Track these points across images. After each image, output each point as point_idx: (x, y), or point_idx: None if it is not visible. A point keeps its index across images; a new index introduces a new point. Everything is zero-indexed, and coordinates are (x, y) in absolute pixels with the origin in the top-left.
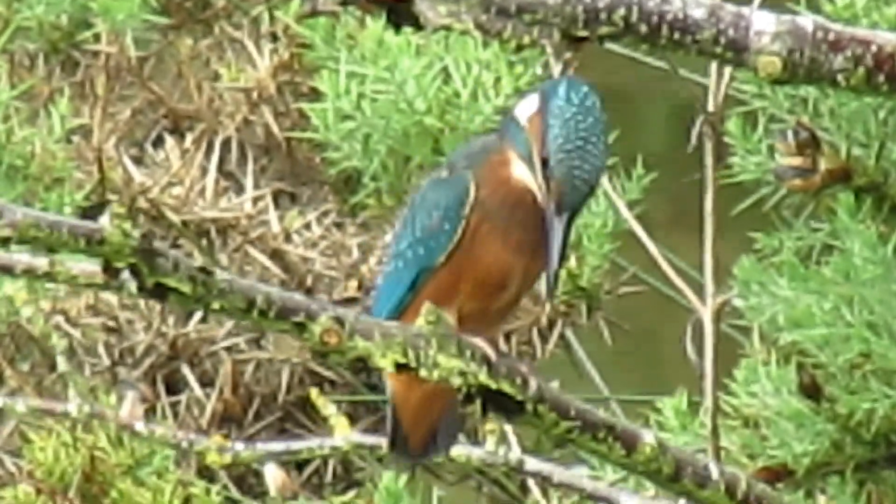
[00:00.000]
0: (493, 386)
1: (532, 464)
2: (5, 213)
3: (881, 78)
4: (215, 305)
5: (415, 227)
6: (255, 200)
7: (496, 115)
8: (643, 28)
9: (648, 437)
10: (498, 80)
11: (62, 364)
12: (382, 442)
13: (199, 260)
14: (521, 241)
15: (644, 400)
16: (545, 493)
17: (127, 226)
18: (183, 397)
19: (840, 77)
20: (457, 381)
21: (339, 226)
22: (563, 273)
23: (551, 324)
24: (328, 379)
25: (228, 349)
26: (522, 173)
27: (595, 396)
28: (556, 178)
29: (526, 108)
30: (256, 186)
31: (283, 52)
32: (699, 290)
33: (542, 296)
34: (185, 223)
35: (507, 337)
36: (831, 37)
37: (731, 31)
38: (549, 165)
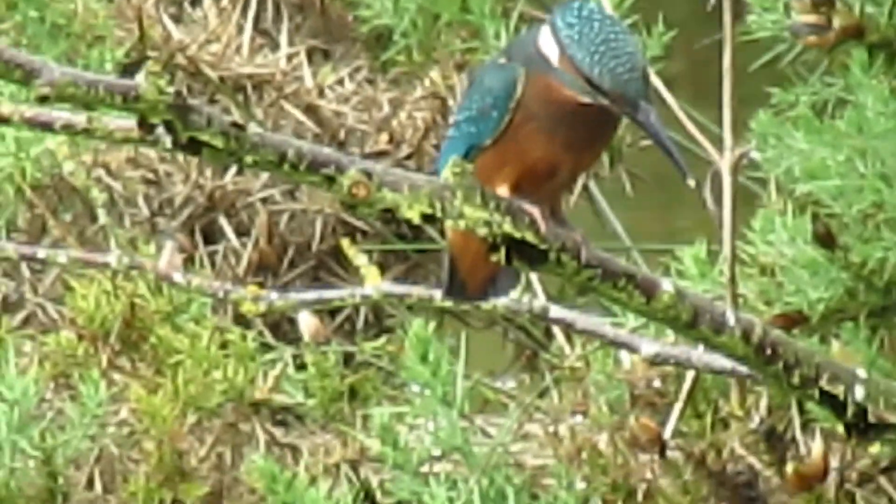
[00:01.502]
0: (517, 235)
1: (556, 311)
2: (44, 72)
3: None
4: (248, 159)
5: (471, 105)
6: (290, 57)
7: None
8: None
9: (667, 286)
10: None
11: (103, 216)
12: (415, 290)
13: (235, 115)
14: (568, 139)
15: (664, 249)
16: (569, 339)
17: (161, 82)
18: (220, 247)
19: None
20: (482, 230)
21: (370, 82)
22: None
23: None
24: (360, 229)
25: (264, 200)
26: (569, 91)
27: (616, 246)
28: (609, 89)
29: (549, 47)
30: (291, 44)
31: None
32: (718, 144)
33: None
34: (222, 79)
35: None
36: None
37: None
38: (597, 85)
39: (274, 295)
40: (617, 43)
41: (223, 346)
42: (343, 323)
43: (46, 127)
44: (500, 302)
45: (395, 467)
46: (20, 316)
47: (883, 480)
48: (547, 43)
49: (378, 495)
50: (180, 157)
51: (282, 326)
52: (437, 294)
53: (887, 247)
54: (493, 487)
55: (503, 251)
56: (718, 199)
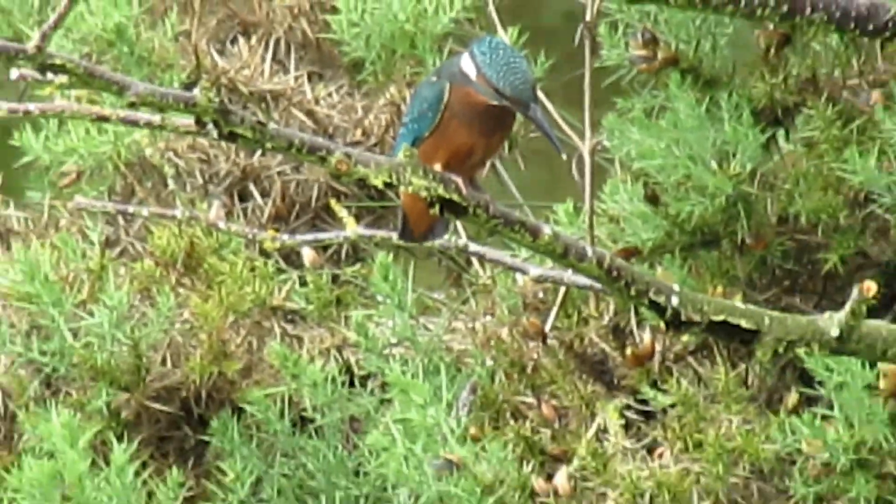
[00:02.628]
0: (447, 196)
1: (473, 247)
2: (132, 87)
3: (697, 0)
4: (268, 145)
5: (414, 109)
6: (296, 78)
7: (450, 23)
8: None
9: (547, 230)
10: (451, 1)
11: (171, 183)
12: (379, 233)
13: (260, 116)
14: (482, 129)
15: (545, 206)
16: (482, 265)
17: (210, 94)
18: (249, 204)
19: (671, 0)
20: (423, 193)
21: (350, 94)
22: None
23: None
24: (343, 192)
25: (279, 173)
26: (482, 97)
27: (513, 203)
28: (510, 95)
29: (469, 68)
30: (297, 69)
31: None
32: (581, 136)
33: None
34: (251, 93)
35: None
36: None
37: None
38: (501, 92)
39: (285, 236)
40: (515, 64)
41: (252, 269)
42: (332, 254)
43: (133, 123)
44: (437, 241)
45: (367, 350)
46: (117, 250)
47: (690, 359)
48: (467, 64)
49: (355, 370)
50: (223, 144)
51: (291, 256)
52: (394, 236)
53: (693, 204)
54: (431, 364)
55: (438, 207)
56: (582, 173)
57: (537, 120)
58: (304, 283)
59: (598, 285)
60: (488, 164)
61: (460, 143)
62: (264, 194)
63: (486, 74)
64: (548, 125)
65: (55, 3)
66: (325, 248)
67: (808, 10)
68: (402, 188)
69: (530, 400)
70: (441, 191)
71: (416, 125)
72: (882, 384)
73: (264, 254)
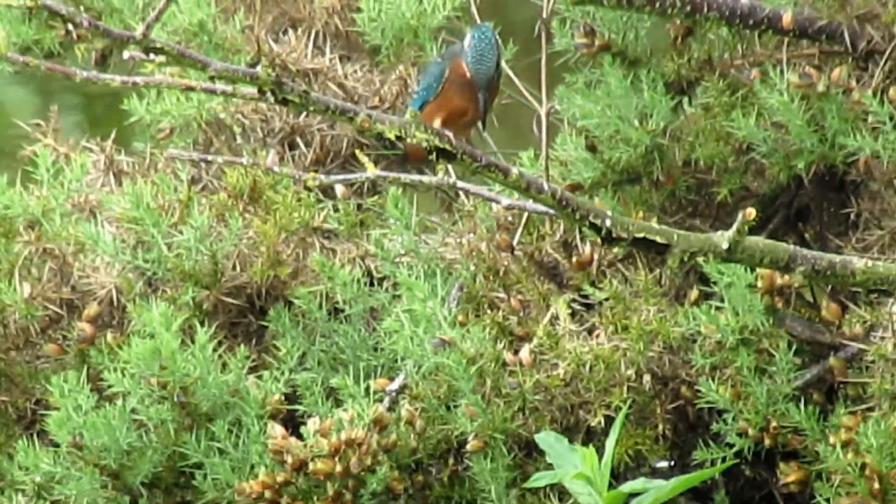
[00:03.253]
0: (441, 146)
1: (460, 184)
2: (212, 65)
3: (625, 1)
4: (311, 108)
5: (423, 81)
6: (331, 60)
7: (443, 19)
8: None
9: (515, 171)
10: (444, 2)
11: (239, 137)
12: (391, 174)
13: (303, 87)
14: (471, 97)
15: (513, 152)
16: (467, 197)
17: (269, 71)
18: (296, 152)
19: (604, 2)
20: (424, 144)
21: (370, 71)
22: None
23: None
24: (365, 144)
25: (318, 129)
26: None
27: (490, 151)
28: (472, 78)
29: (466, 46)
30: (331, 53)
31: None
32: (539, 102)
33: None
34: (297, 70)
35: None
36: None
37: None
38: (469, 74)
39: (322, 176)
40: (485, 58)
41: (298, 200)
42: (357, 189)
43: (212, 92)
44: (433, 179)
45: (382, 259)
46: (199, 186)
47: (619, 265)
48: (466, 43)
49: (374, 274)
50: (277, 107)
51: (327, 191)
52: (403, 175)
53: (621, 152)
54: (429, 269)
55: (435, 154)
56: (540, 129)
57: (481, 101)
58: (336, 210)
59: (552, 211)
60: (476, 124)
61: (454, 107)
62: (307, 145)
63: (467, 55)
64: (484, 107)
65: (154, 4)
66: (352, 184)
67: (705, 10)
68: (408, 140)
69: (502, 295)
70: (437, 142)
71: (424, 93)
72: (760, 284)
73: (307, 189)
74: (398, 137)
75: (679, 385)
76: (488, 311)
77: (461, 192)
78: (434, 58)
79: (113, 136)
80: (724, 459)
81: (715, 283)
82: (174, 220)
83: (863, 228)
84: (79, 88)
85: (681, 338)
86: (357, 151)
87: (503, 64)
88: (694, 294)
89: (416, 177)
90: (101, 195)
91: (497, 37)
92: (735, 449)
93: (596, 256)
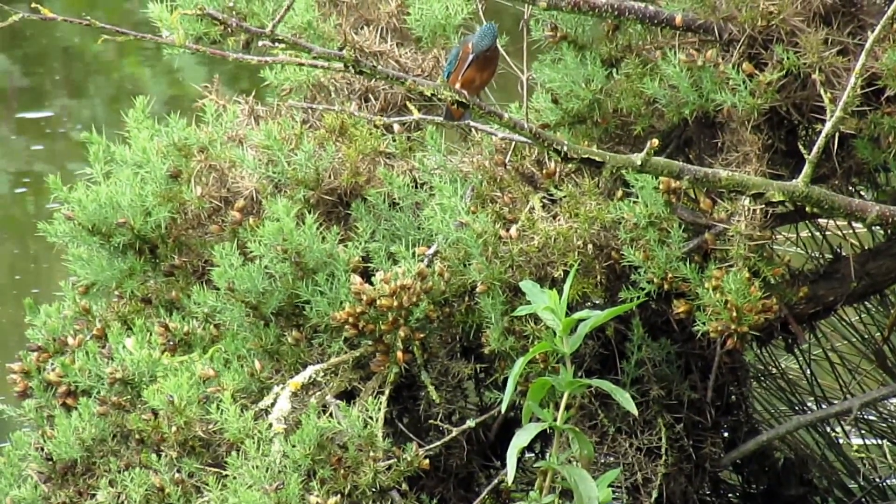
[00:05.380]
0: (461, 100)
1: (472, 123)
2: (314, 49)
3: (584, 7)
4: (377, 76)
5: (449, 59)
6: (391, 45)
7: (462, 19)
8: None
9: (506, 116)
10: (462, 8)
11: (333, 94)
12: (428, 118)
13: (373, 63)
14: (478, 68)
15: (505, 104)
16: (476, 131)
17: (351, 52)
18: (369, 104)
19: (564, 6)
20: (448, 98)
21: (415, 53)
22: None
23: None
24: (412, 98)
25: (382, 89)
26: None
27: (491, 103)
28: (473, 48)
29: (475, 36)
30: (391, 41)
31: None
32: (522, 71)
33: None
34: (370, 52)
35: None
36: (563, 0)
37: None
38: (472, 47)
39: (386, 118)
40: (483, 41)
41: (370, 133)
42: (407, 126)
43: (314, 66)
44: (462, 121)
45: (423, 171)
46: (308, 125)
47: (574, 175)
48: (475, 34)
49: (418, 182)
50: (357, 76)
51: (389, 128)
52: (440, 118)
53: (574, 104)
54: (452, 178)
55: (456, 105)
56: (522, 89)
57: (470, 59)
58: (394, 140)
59: (530, 141)
60: (484, 87)
61: (468, 76)
62: (375, 99)
63: (472, 40)
64: (467, 65)
65: (279, 10)
66: (404, 124)
67: (627, 14)
68: (440, 95)
69: (498, 194)
70: (458, 97)
71: (448, 67)
72: (661, 187)
73: (376, 127)
74: (432, 95)
75: (610, 251)
76: (490, 205)
77: (473, 129)
78: (455, 44)
79: (253, 93)
80: (638, 298)
81: (633, 186)
82: (292, 147)
83: (726, 152)
84: (232, 63)
85: (611, 221)
86: (408, 103)
87: (499, 47)
88: (619, 193)
89: (443, 119)
90: (246, 131)
91: (495, 29)
92: (645, 291)
93: (558, 169)
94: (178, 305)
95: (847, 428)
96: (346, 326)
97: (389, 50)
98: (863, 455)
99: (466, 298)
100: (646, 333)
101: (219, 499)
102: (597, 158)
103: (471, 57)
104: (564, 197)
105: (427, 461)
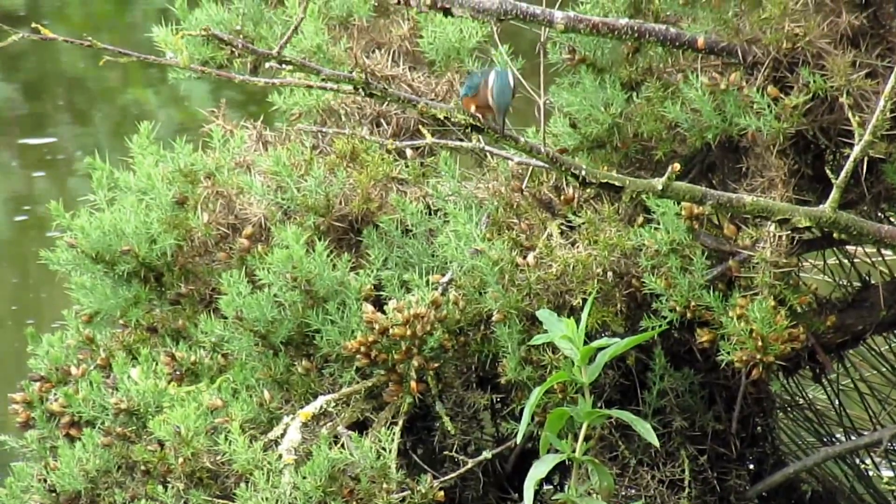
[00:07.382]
0: (474, 122)
1: (488, 148)
2: (323, 71)
3: (603, 29)
4: (389, 99)
5: (465, 84)
6: (403, 69)
7: (476, 43)
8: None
9: (522, 139)
10: (476, 32)
11: (343, 118)
12: (442, 142)
13: (384, 86)
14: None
15: (521, 129)
16: (492, 156)
17: (362, 76)
18: (381, 128)
19: (582, 28)
20: (463, 122)
21: (428, 77)
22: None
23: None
24: (425, 122)
25: (395, 112)
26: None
27: (508, 128)
28: (494, 105)
29: (490, 81)
30: (403, 64)
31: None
32: (539, 95)
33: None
34: (381, 76)
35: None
36: (581, 22)
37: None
38: (492, 103)
39: (398, 142)
40: (503, 96)
41: (382, 159)
42: (421, 151)
43: (324, 88)
44: (470, 144)
45: (436, 197)
46: (318, 150)
47: (592, 201)
48: (490, 79)
49: (432, 208)
50: (368, 98)
51: (402, 152)
52: (450, 142)
53: (593, 128)
54: (467, 204)
55: (470, 128)
56: (539, 114)
57: (500, 119)
58: (406, 165)
59: (547, 166)
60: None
61: (480, 104)
62: (387, 123)
63: (491, 90)
64: (500, 123)
65: (285, 32)
66: (417, 149)
67: (647, 36)
68: (453, 119)
69: (515, 221)
70: (472, 121)
71: (466, 91)
72: (683, 212)
73: (388, 152)
74: (446, 118)
75: (631, 279)
76: (506, 231)
77: (488, 154)
78: (475, 70)
79: (261, 118)
80: (660, 326)
81: (654, 211)
82: (301, 173)
83: (750, 177)
84: (239, 88)
85: (632, 248)
86: (420, 127)
87: (514, 82)
88: (640, 219)
89: (458, 143)
90: (254, 156)
91: (511, 77)
92: (667, 320)
93: (576, 195)
94: (184, 334)
95: (877, 460)
96: (358, 356)
97: (402, 74)
98: (893, 488)
99: (482, 327)
100: (668, 363)
101: None
102: (616, 183)
103: (496, 111)
104: (583, 223)
105: (442, 493)
